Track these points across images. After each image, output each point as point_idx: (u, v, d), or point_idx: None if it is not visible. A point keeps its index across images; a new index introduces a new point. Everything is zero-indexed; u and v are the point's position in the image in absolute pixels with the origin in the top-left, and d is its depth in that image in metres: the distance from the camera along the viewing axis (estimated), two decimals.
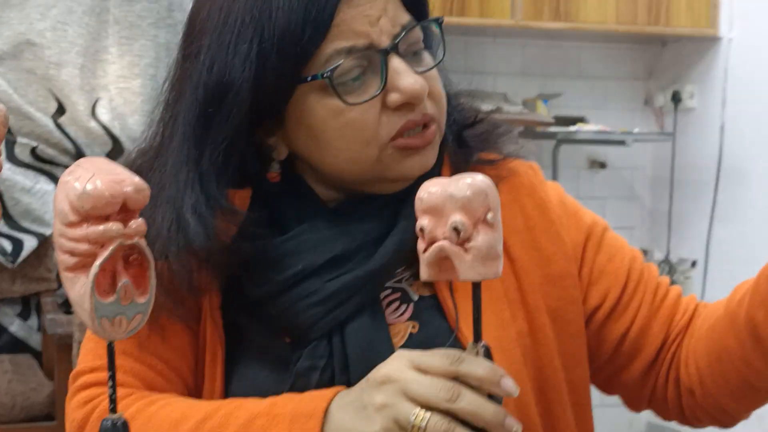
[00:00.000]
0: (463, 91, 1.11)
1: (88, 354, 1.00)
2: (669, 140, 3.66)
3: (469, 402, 0.79)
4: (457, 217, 0.77)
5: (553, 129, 3.43)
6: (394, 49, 0.96)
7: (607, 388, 1.12)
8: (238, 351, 1.00)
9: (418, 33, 0.99)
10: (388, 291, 1.01)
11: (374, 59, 0.95)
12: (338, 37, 0.94)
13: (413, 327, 0.99)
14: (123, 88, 2.74)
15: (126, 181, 0.70)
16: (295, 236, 0.99)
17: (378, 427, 0.82)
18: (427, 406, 0.80)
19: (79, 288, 0.70)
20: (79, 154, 2.66)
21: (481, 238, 0.77)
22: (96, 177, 0.69)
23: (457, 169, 1.01)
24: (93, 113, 2.68)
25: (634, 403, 1.11)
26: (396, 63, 0.95)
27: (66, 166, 2.82)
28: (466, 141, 1.07)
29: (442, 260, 0.79)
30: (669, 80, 3.76)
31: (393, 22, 0.96)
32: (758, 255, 1.42)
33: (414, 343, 0.97)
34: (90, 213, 0.69)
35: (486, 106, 1.13)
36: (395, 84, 0.95)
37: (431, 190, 0.79)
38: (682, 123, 3.69)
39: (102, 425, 0.73)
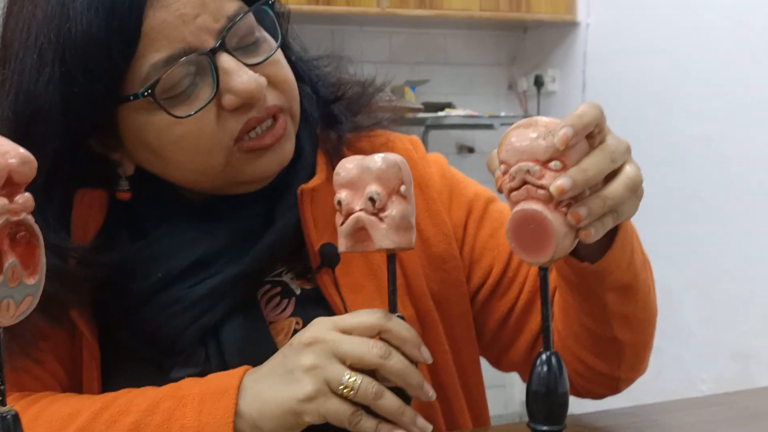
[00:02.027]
0: (322, 56, 1.04)
1: None
2: None
3: (397, 361, 0.80)
4: (373, 188, 0.79)
5: (421, 115, 3.47)
6: (222, 46, 0.86)
7: (499, 366, 1.10)
8: (114, 359, 0.95)
9: (250, 21, 0.90)
10: (268, 286, 0.97)
11: (202, 62, 0.86)
12: (151, 47, 0.84)
13: (297, 323, 0.95)
14: None
15: (10, 152, 0.65)
16: (152, 242, 0.93)
17: (310, 388, 0.79)
18: (359, 364, 0.79)
19: None
20: None
21: (395, 209, 0.79)
22: None
23: (329, 152, 0.99)
24: None
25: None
26: (225, 62, 0.86)
27: None
28: (335, 116, 1.01)
29: (358, 231, 0.80)
30: (531, 65, 3.86)
31: (215, 15, 0.86)
32: None
33: None
34: None
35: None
36: (227, 85, 0.86)
37: (347, 167, 0.81)
38: (545, 106, 3.80)
39: None
